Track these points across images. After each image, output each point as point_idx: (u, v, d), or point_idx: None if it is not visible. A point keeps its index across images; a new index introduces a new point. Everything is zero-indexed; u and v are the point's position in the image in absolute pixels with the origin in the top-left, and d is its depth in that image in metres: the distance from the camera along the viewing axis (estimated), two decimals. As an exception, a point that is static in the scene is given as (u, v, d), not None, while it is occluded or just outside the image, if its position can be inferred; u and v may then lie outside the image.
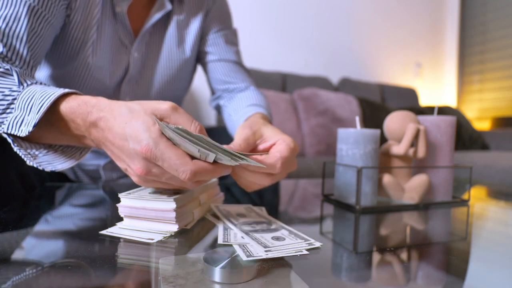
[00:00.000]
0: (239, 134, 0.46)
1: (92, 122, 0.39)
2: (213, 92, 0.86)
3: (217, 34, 0.81)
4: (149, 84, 0.76)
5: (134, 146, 0.35)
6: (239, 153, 0.37)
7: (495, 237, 0.46)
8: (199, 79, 1.30)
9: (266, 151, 0.46)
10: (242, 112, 0.71)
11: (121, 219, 0.41)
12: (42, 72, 0.70)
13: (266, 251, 0.32)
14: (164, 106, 0.37)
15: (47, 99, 0.41)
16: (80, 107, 0.40)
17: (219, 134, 0.88)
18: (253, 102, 0.75)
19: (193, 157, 0.36)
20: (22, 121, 0.43)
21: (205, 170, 0.35)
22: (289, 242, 0.36)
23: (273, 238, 0.37)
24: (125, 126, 0.36)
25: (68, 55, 0.65)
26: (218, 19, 0.82)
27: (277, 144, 0.45)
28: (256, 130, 0.47)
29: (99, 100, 0.40)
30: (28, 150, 0.45)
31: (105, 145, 0.40)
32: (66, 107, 0.42)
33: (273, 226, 0.41)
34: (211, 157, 0.35)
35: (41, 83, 0.48)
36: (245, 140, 0.44)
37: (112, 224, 0.41)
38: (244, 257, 0.30)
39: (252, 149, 0.46)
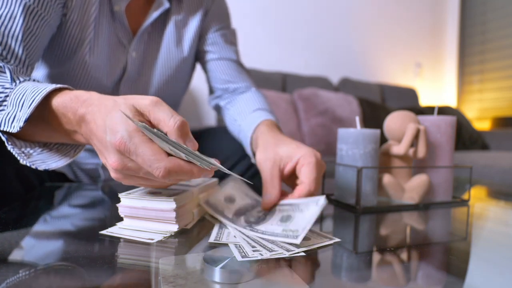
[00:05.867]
0: (267, 175, 0.49)
1: (81, 115, 0.39)
2: (212, 91, 0.86)
3: (216, 34, 0.81)
4: (147, 84, 0.76)
5: (110, 138, 0.34)
6: (208, 159, 0.35)
7: (495, 237, 0.46)
8: (198, 79, 1.30)
9: (291, 173, 0.49)
10: (249, 119, 0.71)
11: (121, 219, 0.41)
12: (40, 71, 0.70)
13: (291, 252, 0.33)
14: (145, 101, 0.36)
15: (38, 94, 0.41)
16: (72, 101, 0.40)
17: (219, 134, 0.88)
18: (258, 107, 0.74)
19: (169, 154, 0.34)
20: (14, 117, 0.42)
21: (180, 169, 0.34)
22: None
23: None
24: (106, 118, 0.35)
25: (66, 54, 0.65)
26: (217, 18, 0.82)
27: (303, 171, 0.47)
28: (275, 155, 0.50)
29: (91, 95, 0.40)
30: (23, 149, 0.45)
31: (91, 138, 0.39)
32: (58, 101, 0.41)
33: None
34: (183, 156, 0.34)
35: (34, 80, 0.48)
36: (278, 181, 0.48)
37: (112, 224, 0.41)
38: (239, 258, 0.30)
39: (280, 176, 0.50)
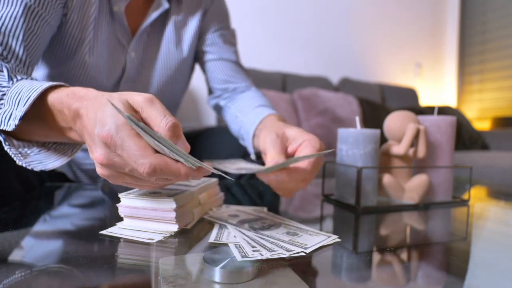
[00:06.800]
0: (269, 142, 0.47)
1: (75, 110, 0.38)
2: (211, 91, 0.86)
3: (215, 34, 0.81)
4: (147, 84, 0.76)
5: (98, 131, 0.33)
6: (196, 160, 0.33)
7: (495, 237, 0.46)
8: (198, 79, 1.30)
9: (294, 152, 0.48)
10: (253, 114, 0.71)
11: (121, 219, 0.41)
12: (40, 71, 0.70)
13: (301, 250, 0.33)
14: (138, 97, 0.36)
15: (33, 92, 0.41)
16: (68, 97, 0.39)
17: (219, 134, 0.88)
18: (261, 103, 0.74)
19: (158, 152, 0.33)
20: (11, 115, 0.42)
21: (166, 167, 0.32)
22: (307, 239, 0.36)
23: (288, 233, 0.38)
24: (98, 111, 0.34)
25: (66, 54, 0.65)
26: (217, 19, 0.82)
27: (303, 147, 0.46)
28: (282, 134, 0.49)
29: (88, 91, 0.39)
30: (20, 149, 0.45)
31: (83, 134, 0.38)
32: (54, 97, 0.40)
33: (282, 224, 0.42)
34: (167, 152, 0.32)
35: (31, 79, 0.48)
36: (277, 149, 0.46)
37: (112, 224, 0.41)
38: (239, 258, 0.30)
39: (283, 152, 0.48)
